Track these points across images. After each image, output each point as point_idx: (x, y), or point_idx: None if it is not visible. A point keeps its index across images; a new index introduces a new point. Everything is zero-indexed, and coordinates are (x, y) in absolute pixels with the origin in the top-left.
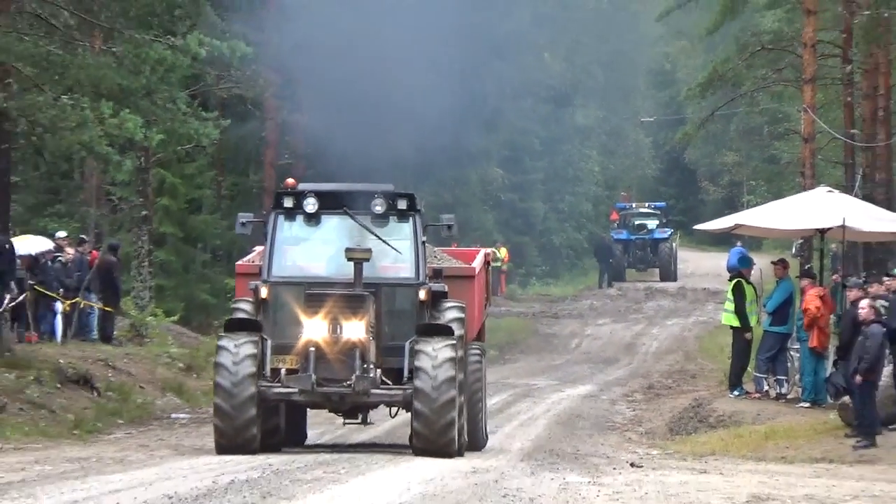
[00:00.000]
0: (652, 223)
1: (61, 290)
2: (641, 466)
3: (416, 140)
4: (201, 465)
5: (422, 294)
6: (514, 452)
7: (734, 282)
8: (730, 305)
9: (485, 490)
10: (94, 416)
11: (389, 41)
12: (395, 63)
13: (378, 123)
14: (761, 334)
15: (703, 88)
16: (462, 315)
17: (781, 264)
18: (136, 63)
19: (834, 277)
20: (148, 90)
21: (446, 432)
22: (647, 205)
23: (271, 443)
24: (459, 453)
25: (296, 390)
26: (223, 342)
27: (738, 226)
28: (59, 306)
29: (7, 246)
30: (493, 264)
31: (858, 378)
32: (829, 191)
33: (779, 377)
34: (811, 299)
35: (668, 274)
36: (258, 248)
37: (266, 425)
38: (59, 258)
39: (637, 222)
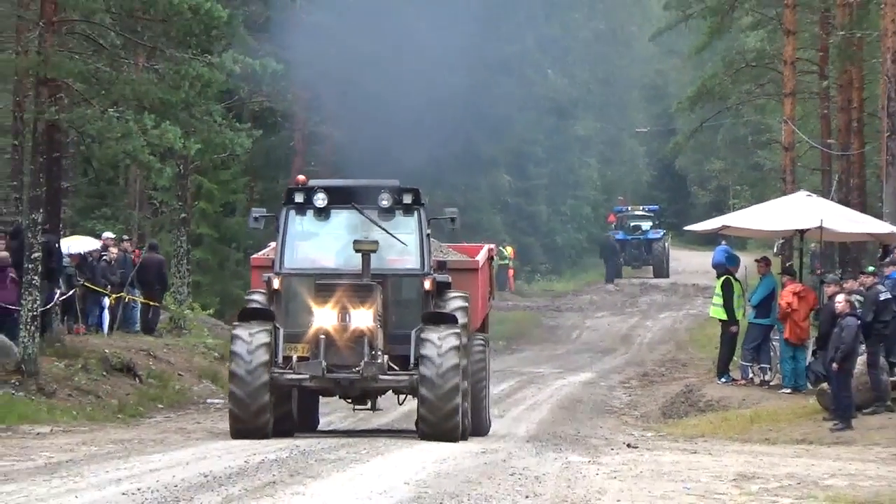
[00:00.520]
0: (646, 224)
1: (108, 286)
2: (637, 447)
3: (431, 149)
4: (234, 446)
5: (427, 284)
6: (520, 435)
7: (723, 278)
8: (718, 300)
9: (494, 469)
10: (136, 402)
11: (406, 61)
12: (411, 80)
13: (396, 134)
14: (747, 326)
15: (692, 102)
16: (466, 304)
17: (764, 262)
18: (175, 79)
19: (818, 272)
20: (187, 104)
21: (451, 417)
22: (641, 208)
23: (284, 429)
24: (463, 437)
25: (307, 376)
26: (238, 331)
27: (724, 227)
28: (105, 301)
29: (56, 245)
30: (500, 262)
31: (835, 366)
32: (808, 195)
33: (762, 365)
34: (786, 295)
35: (661, 271)
36: (272, 244)
37: (279, 411)
38: (105, 257)
39: (632, 224)
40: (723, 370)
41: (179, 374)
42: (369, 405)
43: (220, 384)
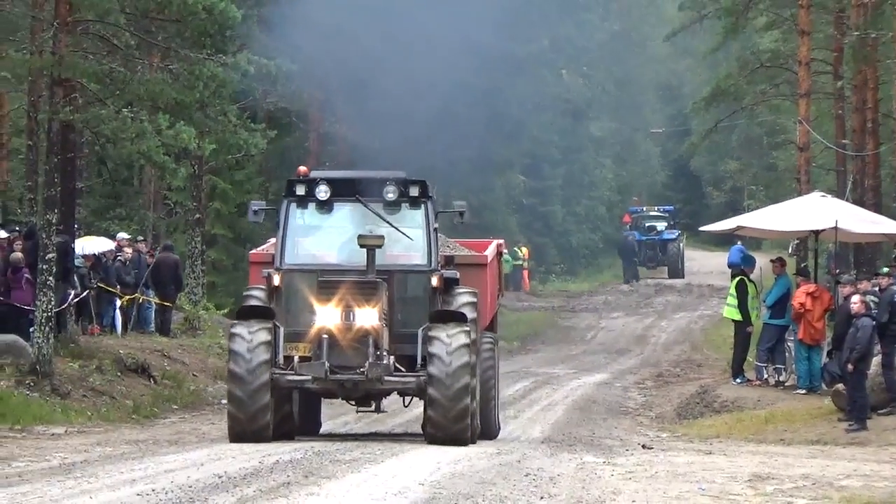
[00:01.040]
0: (661, 225)
1: (118, 286)
2: (652, 448)
3: (446, 150)
4: (249, 447)
5: (434, 280)
6: (535, 435)
7: (737, 279)
8: (732, 301)
9: (509, 470)
10: (150, 402)
11: (421, 63)
12: (427, 82)
13: (411, 135)
14: (761, 327)
15: (707, 102)
16: (475, 301)
17: (779, 262)
18: (190, 79)
19: (833, 273)
20: (201, 104)
21: (461, 419)
22: (656, 208)
23: (285, 431)
24: (473, 441)
25: (309, 378)
26: (237, 329)
27: (739, 227)
28: (117, 301)
29: (71, 246)
30: (515, 263)
31: (850, 367)
32: (823, 196)
33: (777, 366)
34: (799, 295)
35: (676, 271)
36: (272, 240)
37: (279, 414)
38: (120, 257)
39: (647, 224)
40: (738, 371)
41: (194, 375)
42: (373, 407)
43: None
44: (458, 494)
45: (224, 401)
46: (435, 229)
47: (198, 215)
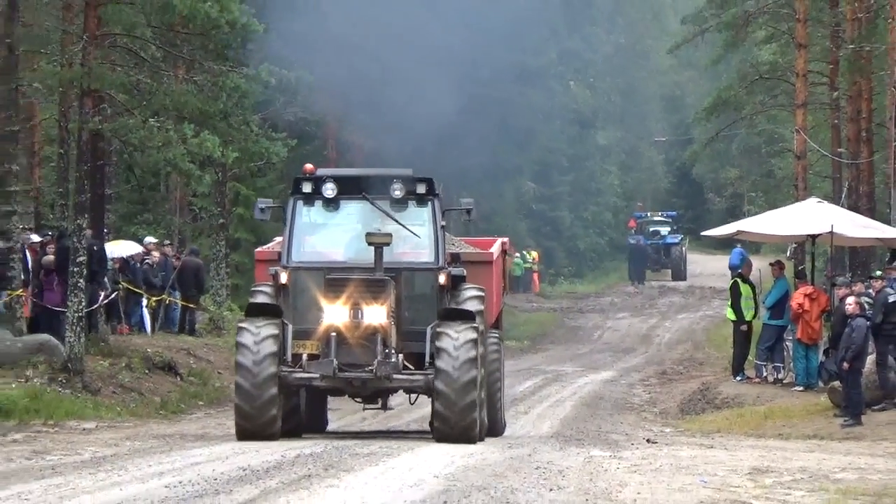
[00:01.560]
0: (665, 230)
1: (145, 287)
2: (656, 442)
3: (459, 158)
4: (271, 441)
5: (441, 278)
6: (544, 430)
7: (732, 281)
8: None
9: (520, 463)
10: (177, 399)
11: (436, 74)
12: (441, 92)
13: (425, 143)
14: (761, 327)
15: (708, 112)
16: (482, 299)
17: (778, 265)
18: (214, 90)
19: (829, 276)
20: (224, 114)
21: (469, 413)
22: (660, 214)
23: (292, 429)
24: (480, 438)
25: (317, 376)
26: (244, 323)
27: (739, 232)
28: (144, 302)
29: (101, 249)
30: (525, 266)
31: (846, 365)
32: (819, 202)
33: (776, 364)
34: (797, 297)
35: (679, 274)
36: (278, 238)
37: (287, 411)
38: (147, 260)
39: (651, 229)
40: (738, 369)
41: (219, 373)
42: (380, 405)
43: None
44: (472, 487)
45: None
46: (442, 227)
47: (221, 220)
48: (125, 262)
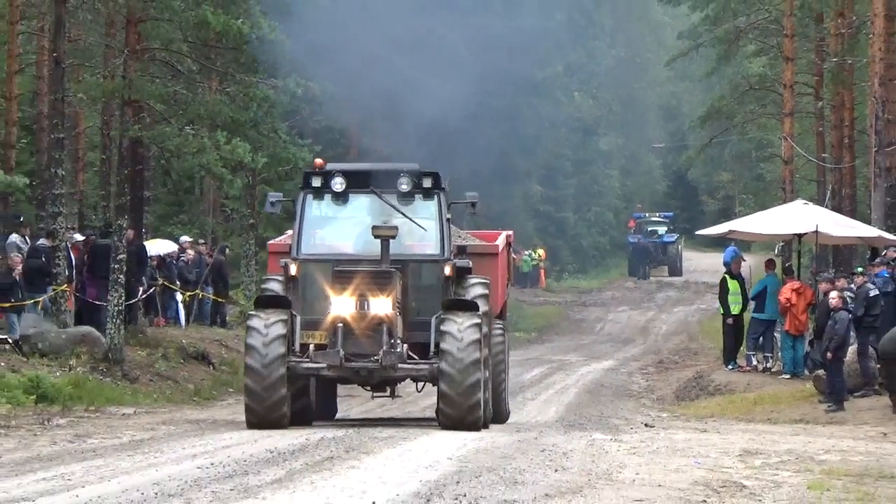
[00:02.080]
0: (662, 229)
1: (178, 283)
2: (653, 426)
3: (471, 162)
4: (280, 427)
5: (447, 270)
6: (550, 415)
7: (721, 277)
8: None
9: (527, 446)
10: (210, 386)
11: (449, 85)
12: (455, 102)
13: (440, 149)
14: (750, 320)
15: (702, 120)
16: (487, 291)
17: (769, 263)
18: (245, 100)
19: (813, 272)
20: (255, 122)
21: (472, 412)
22: (657, 214)
23: (302, 417)
24: (485, 424)
25: (324, 365)
26: (253, 322)
27: (731, 231)
28: (178, 296)
29: (136, 248)
30: (532, 263)
31: (829, 355)
32: (805, 203)
33: (766, 354)
34: (784, 291)
35: (675, 270)
36: (290, 231)
37: (296, 400)
38: (182, 258)
39: (650, 228)
40: (729, 358)
41: None
42: (388, 393)
43: None
44: (482, 467)
45: None
46: (448, 220)
47: (251, 220)
48: (162, 260)
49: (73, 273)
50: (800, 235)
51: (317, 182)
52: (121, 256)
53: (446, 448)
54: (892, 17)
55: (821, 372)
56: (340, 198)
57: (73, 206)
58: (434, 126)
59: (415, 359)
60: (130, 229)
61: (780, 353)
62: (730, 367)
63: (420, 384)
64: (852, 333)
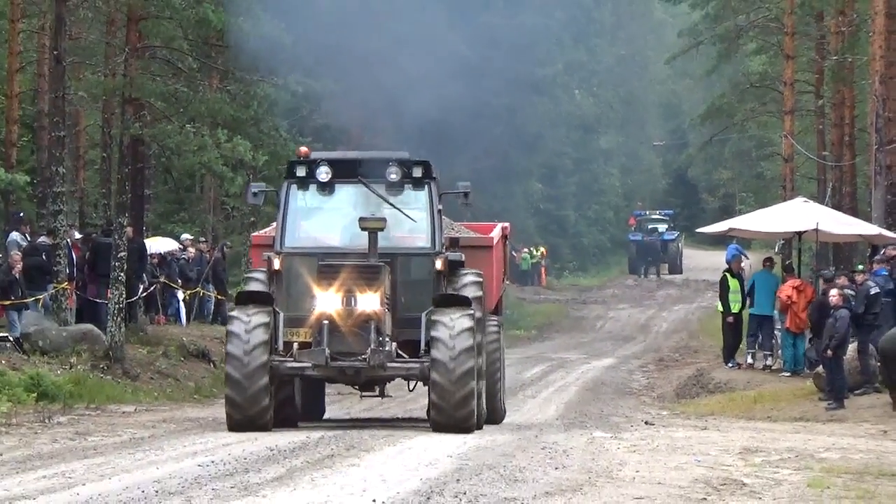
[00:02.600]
0: (662, 227)
1: (179, 281)
2: (654, 424)
3: (473, 160)
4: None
5: (438, 264)
6: (550, 413)
7: (721, 275)
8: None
9: (527, 443)
10: (210, 384)
11: (451, 83)
12: (456, 100)
13: (441, 147)
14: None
15: (703, 118)
16: (480, 285)
17: (767, 261)
18: (245, 98)
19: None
20: (255, 120)
21: (465, 404)
22: (658, 212)
23: (286, 418)
24: (479, 426)
25: (309, 365)
26: (235, 313)
27: (731, 229)
28: (179, 294)
29: (137, 245)
30: (533, 261)
31: (829, 353)
32: (805, 201)
33: (765, 352)
34: (785, 289)
35: (675, 268)
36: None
37: (280, 400)
38: (183, 256)
39: (650, 226)
40: (729, 356)
41: None
42: (377, 392)
43: None
44: (483, 465)
45: None
46: (439, 211)
47: (252, 219)
48: (163, 258)
49: (74, 271)
50: (800, 233)
51: (301, 171)
52: (121, 254)
53: (447, 446)
54: (893, 15)
55: (820, 370)
56: (326, 188)
57: (74, 204)
58: (435, 124)
59: (404, 357)
60: (129, 227)
61: (780, 351)
62: (730, 364)
63: (412, 383)
64: (852, 331)
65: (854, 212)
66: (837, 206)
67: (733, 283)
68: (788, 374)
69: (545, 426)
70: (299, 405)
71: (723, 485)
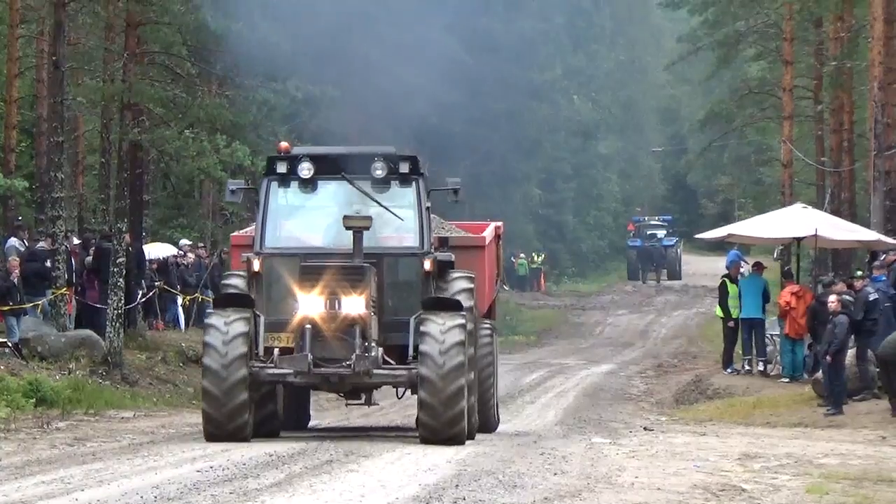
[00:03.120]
0: (661, 233)
1: (178, 286)
2: (653, 430)
3: (473, 166)
4: (297, 429)
5: (427, 264)
6: (549, 419)
7: (720, 281)
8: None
9: (526, 449)
10: None
11: (451, 89)
12: (456, 106)
13: (441, 155)
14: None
15: (702, 124)
16: (471, 286)
17: (756, 266)
18: (244, 104)
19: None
20: (254, 125)
21: (455, 423)
22: (657, 218)
23: (268, 427)
24: (470, 437)
25: (290, 371)
26: (212, 320)
27: (730, 235)
28: (178, 300)
29: (134, 250)
30: (532, 266)
31: (828, 358)
32: (804, 207)
33: (760, 358)
34: (784, 295)
35: (674, 274)
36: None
37: (261, 408)
38: (182, 262)
39: (649, 232)
40: (727, 362)
41: None
42: (363, 400)
43: None
44: (482, 471)
45: None
46: (427, 209)
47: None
48: (161, 263)
49: (73, 276)
50: (799, 239)
51: (282, 168)
52: (120, 260)
53: (445, 452)
54: (892, 21)
55: (819, 375)
56: (308, 185)
57: (73, 209)
58: (434, 129)
59: (391, 364)
60: (127, 232)
61: (778, 357)
62: (729, 370)
63: (401, 390)
64: (851, 337)
65: (853, 217)
66: (836, 212)
67: (732, 289)
68: (787, 379)
69: (544, 432)
70: (281, 414)
71: (722, 490)
